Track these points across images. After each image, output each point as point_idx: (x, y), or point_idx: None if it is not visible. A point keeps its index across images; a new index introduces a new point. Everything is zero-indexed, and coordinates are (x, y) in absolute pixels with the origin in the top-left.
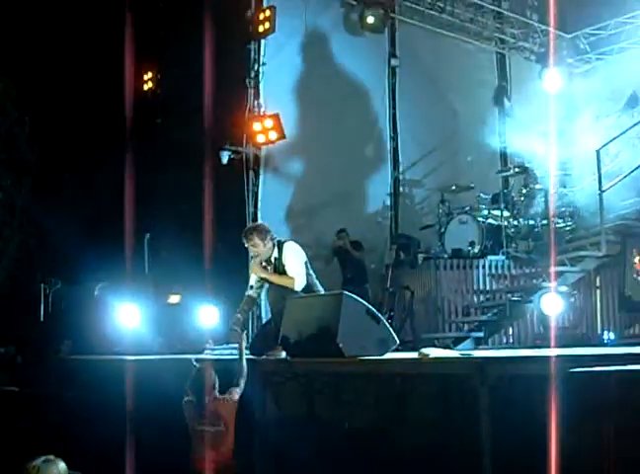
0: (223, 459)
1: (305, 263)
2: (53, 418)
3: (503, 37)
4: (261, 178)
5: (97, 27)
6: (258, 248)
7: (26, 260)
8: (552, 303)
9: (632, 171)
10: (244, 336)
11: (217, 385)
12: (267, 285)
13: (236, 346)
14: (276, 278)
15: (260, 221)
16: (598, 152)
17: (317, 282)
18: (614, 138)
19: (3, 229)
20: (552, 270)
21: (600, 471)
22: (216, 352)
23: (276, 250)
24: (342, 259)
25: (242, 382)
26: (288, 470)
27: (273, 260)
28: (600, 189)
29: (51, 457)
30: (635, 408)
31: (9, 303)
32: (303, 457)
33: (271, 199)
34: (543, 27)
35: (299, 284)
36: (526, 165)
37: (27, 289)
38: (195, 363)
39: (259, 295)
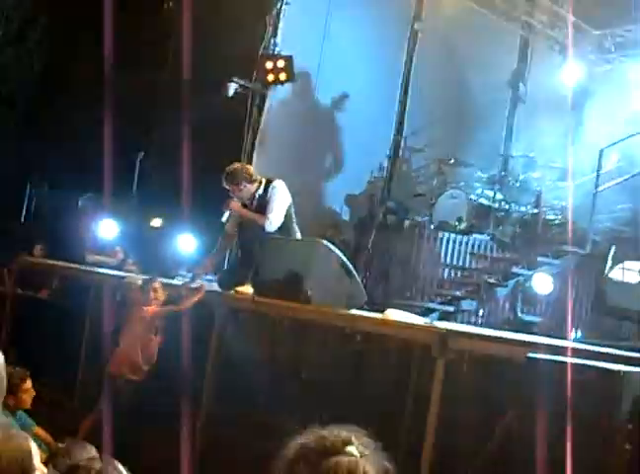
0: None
1: (289, 205)
2: (19, 318)
3: (531, 21)
4: (263, 117)
5: None
6: (235, 192)
7: (19, 160)
8: (544, 282)
9: (631, 176)
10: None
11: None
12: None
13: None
14: (249, 215)
15: (243, 162)
16: (601, 151)
17: (297, 228)
18: (620, 141)
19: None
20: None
21: (536, 455)
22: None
23: (261, 188)
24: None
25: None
26: (236, 407)
27: (257, 196)
28: (595, 188)
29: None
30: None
31: None
32: (254, 398)
33: (270, 140)
34: (572, 18)
35: (272, 225)
36: (530, 153)
37: (13, 188)
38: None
39: (237, 233)
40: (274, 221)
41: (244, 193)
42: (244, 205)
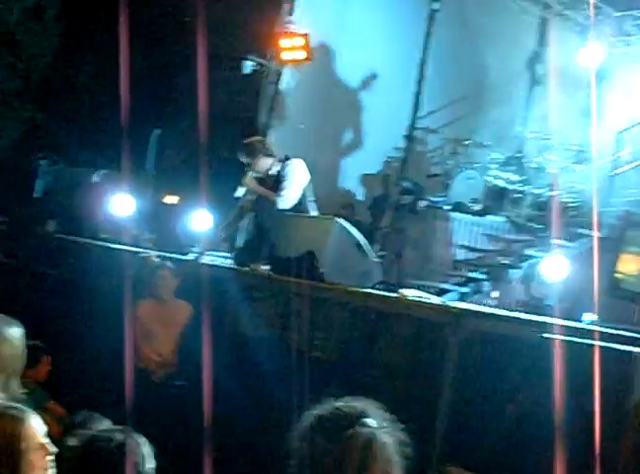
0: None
1: (307, 184)
2: (28, 291)
3: (549, 1)
4: (279, 95)
5: None
6: (252, 166)
7: (34, 135)
8: (558, 265)
9: None
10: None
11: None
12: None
13: (222, 253)
14: (263, 192)
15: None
16: (618, 134)
17: (314, 207)
18: (638, 123)
19: (13, 98)
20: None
21: (551, 433)
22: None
23: (279, 165)
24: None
25: None
26: (248, 384)
27: (273, 173)
28: (612, 171)
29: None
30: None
31: (6, 175)
32: (267, 375)
33: (286, 119)
34: None
35: (285, 203)
36: (546, 134)
37: (27, 163)
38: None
39: (252, 208)
40: (287, 199)
41: (261, 166)
42: (260, 181)
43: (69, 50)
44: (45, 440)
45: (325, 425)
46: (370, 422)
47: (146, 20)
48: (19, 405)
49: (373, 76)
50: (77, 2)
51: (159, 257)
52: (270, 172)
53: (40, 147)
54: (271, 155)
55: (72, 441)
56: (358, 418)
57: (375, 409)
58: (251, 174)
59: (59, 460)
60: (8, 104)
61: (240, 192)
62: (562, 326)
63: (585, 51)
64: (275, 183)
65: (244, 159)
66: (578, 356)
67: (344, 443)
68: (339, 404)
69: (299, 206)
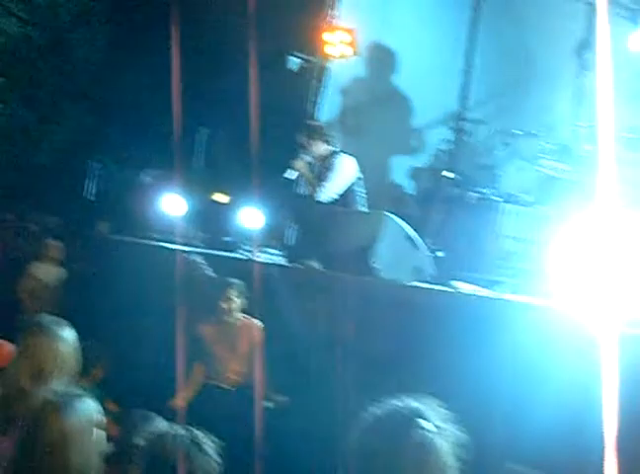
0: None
1: (352, 184)
2: (81, 292)
3: None
4: (325, 91)
5: None
6: (307, 147)
7: (83, 136)
8: (609, 255)
9: None
10: None
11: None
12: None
13: (272, 251)
14: (309, 178)
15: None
16: None
17: (364, 202)
18: None
19: (63, 102)
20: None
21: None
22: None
23: (331, 157)
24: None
25: None
26: (300, 382)
27: (322, 163)
28: None
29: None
30: None
31: (59, 176)
32: (319, 374)
33: (331, 115)
34: None
35: (324, 195)
36: (596, 122)
37: (78, 166)
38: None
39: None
40: (327, 192)
41: (315, 150)
42: (310, 167)
43: (117, 53)
44: None
45: (380, 426)
46: (426, 423)
47: (192, 21)
48: None
49: (420, 68)
50: (124, 6)
51: (200, 255)
52: (321, 160)
53: (91, 149)
54: (328, 142)
55: (138, 440)
56: (413, 419)
57: (433, 408)
58: (303, 157)
59: (127, 459)
60: (58, 107)
61: (289, 173)
62: (616, 318)
63: (634, 36)
64: (320, 172)
65: (301, 139)
66: (633, 349)
67: (397, 446)
68: (396, 403)
69: (349, 203)
